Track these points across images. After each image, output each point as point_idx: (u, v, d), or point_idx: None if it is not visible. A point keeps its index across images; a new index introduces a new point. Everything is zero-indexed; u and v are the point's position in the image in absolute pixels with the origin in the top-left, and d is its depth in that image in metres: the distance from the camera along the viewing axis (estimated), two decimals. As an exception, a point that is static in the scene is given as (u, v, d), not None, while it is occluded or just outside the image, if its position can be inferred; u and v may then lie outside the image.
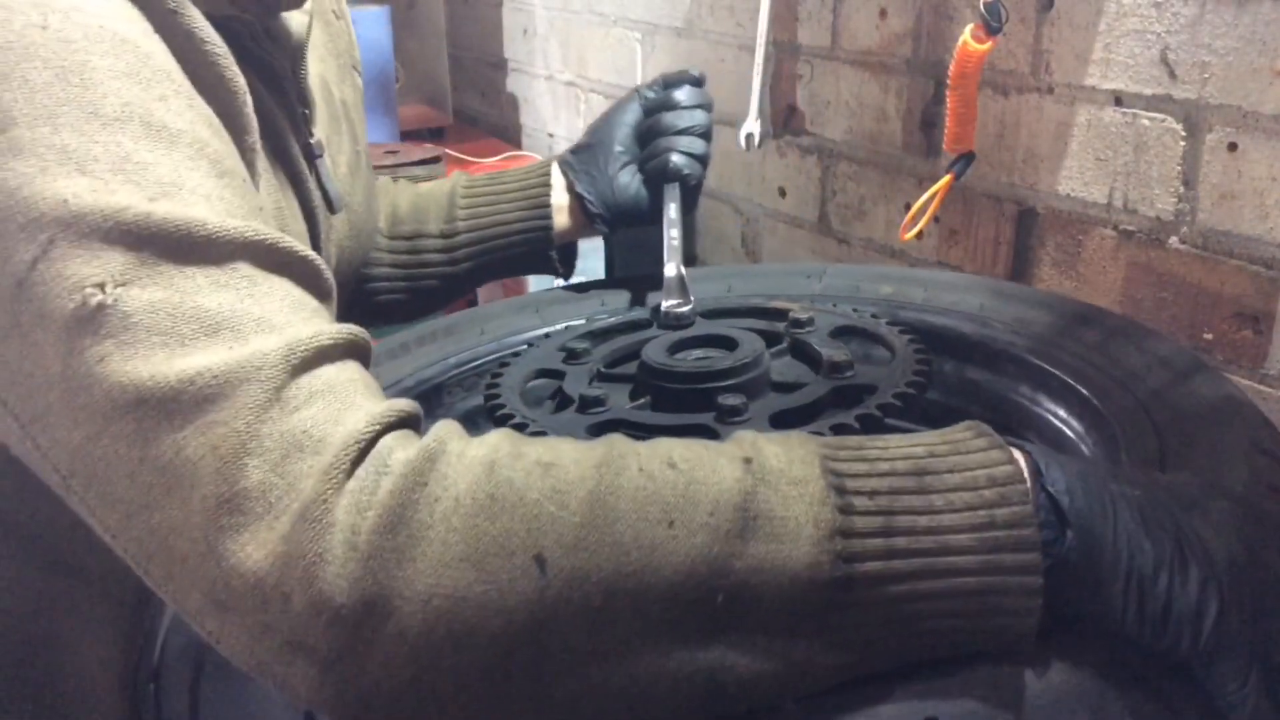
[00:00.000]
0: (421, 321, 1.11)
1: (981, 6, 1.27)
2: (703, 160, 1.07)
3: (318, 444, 0.51)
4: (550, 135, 2.66)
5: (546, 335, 1.02)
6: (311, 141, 0.83)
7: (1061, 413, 0.85)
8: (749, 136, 1.78)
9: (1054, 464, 0.54)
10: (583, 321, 1.04)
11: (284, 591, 0.49)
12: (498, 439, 0.54)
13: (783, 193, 1.88)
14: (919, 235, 1.45)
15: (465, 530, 0.49)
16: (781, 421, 0.74)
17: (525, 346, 1.01)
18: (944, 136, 1.39)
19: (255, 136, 0.67)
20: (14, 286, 0.52)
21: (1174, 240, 1.26)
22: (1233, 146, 1.18)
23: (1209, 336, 1.23)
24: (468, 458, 0.52)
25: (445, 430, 0.54)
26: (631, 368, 0.87)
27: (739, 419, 0.75)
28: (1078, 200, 1.37)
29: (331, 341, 0.56)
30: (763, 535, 0.50)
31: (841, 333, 0.89)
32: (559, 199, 1.10)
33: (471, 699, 0.49)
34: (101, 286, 0.51)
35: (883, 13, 1.61)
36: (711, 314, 0.98)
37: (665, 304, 0.98)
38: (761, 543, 0.50)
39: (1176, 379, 0.78)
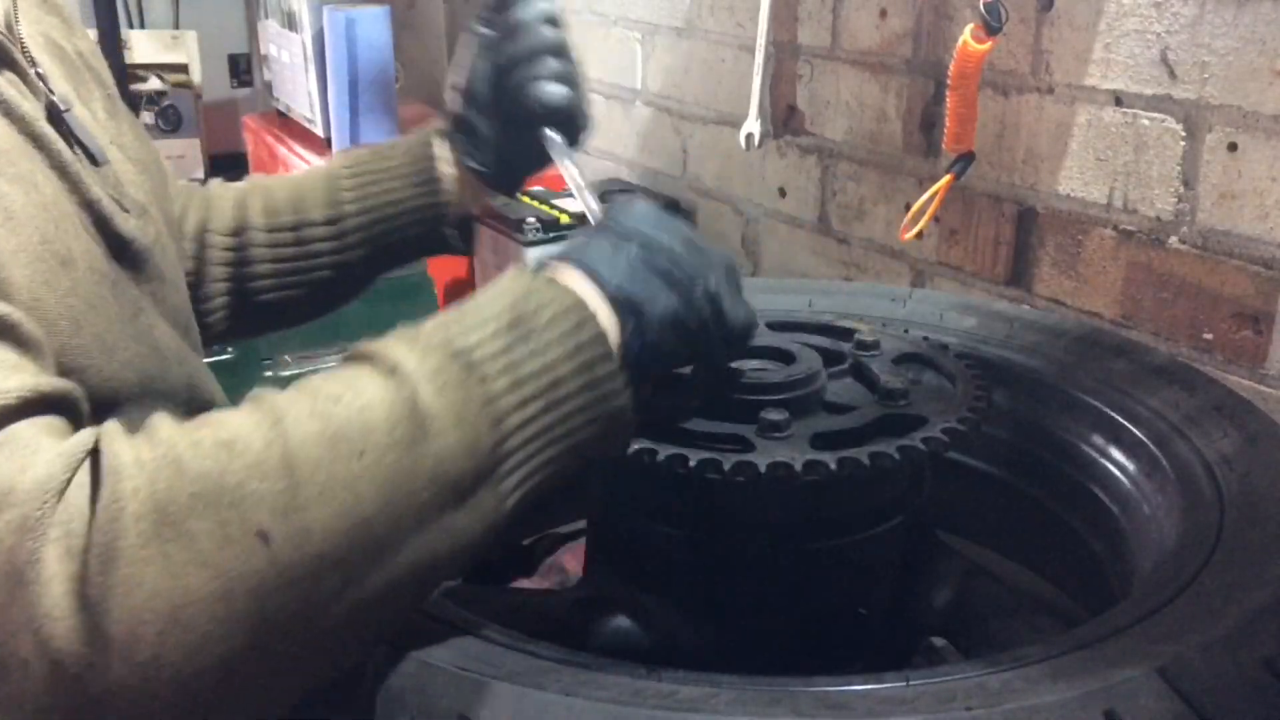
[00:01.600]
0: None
1: (981, 6, 1.27)
2: (568, 81, 0.94)
3: (5, 496, 0.49)
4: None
5: None
6: (54, 98, 0.76)
7: (1131, 469, 0.85)
8: (749, 136, 1.78)
9: (598, 262, 0.67)
10: None
11: (21, 659, 0.48)
12: (166, 432, 0.54)
13: (783, 193, 1.88)
14: (919, 235, 1.45)
15: (181, 536, 0.49)
16: (823, 443, 0.73)
17: None
18: (944, 136, 1.39)
19: None
20: None
21: (1174, 240, 1.26)
22: (1233, 146, 1.18)
23: (1209, 336, 1.23)
24: (149, 464, 0.51)
25: (110, 441, 0.53)
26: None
27: (779, 435, 0.73)
28: (1078, 200, 1.37)
29: (19, 398, 0.54)
30: (434, 431, 0.56)
31: (907, 359, 0.87)
32: (445, 170, 1.01)
33: (244, 679, 0.51)
34: None
35: (883, 13, 1.61)
36: (780, 326, 0.94)
37: None
38: (434, 439, 0.56)
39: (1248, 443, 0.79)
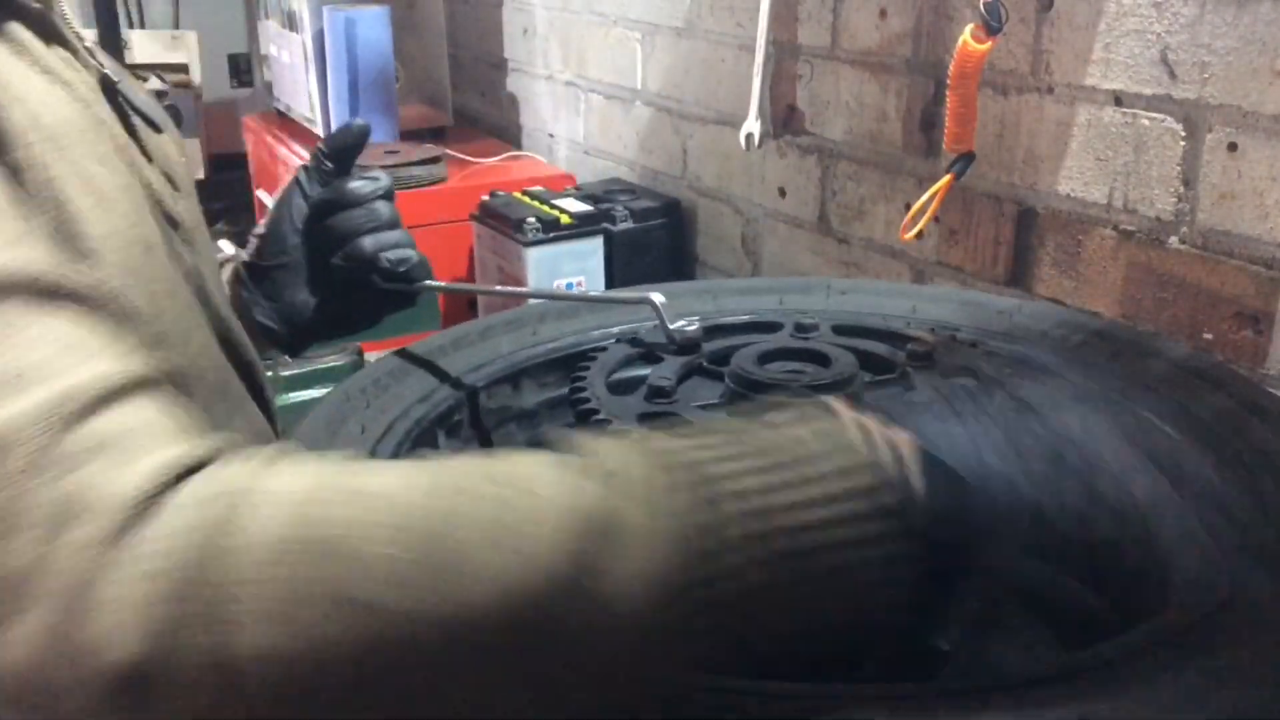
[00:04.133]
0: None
1: (981, 6, 1.27)
2: (410, 247, 0.93)
3: (86, 511, 0.44)
4: (550, 135, 2.66)
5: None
6: (107, 71, 0.74)
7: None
8: (749, 136, 1.78)
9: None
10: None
11: (54, 690, 0.43)
12: (317, 468, 0.49)
13: (783, 193, 1.88)
14: (919, 235, 1.45)
15: (280, 581, 0.44)
16: None
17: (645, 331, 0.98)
18: (944, 136, 1.39)
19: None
20: None
21: (1174, 240, 1.26)
22: (1233, 146, 1.18)
23: (1209, 337, 1.23)
24: (279, 495, 0.46)
25: (256, 464, 0.48)
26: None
27: None
28: (1078, 200, 1.37)
29: (121, 382, 0.50)
30: (619, 550, 0.46)
31: (960, 373, 0.85)
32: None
33: None
34: None
35: (883, 13, 1.61)
36: (840, 330, 0.92)
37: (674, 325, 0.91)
38: (619, 559, 0.46)
39: None
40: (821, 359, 0.82)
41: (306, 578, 0.44)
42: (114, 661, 0.43)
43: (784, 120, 1.83)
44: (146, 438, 0.48)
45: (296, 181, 0.95)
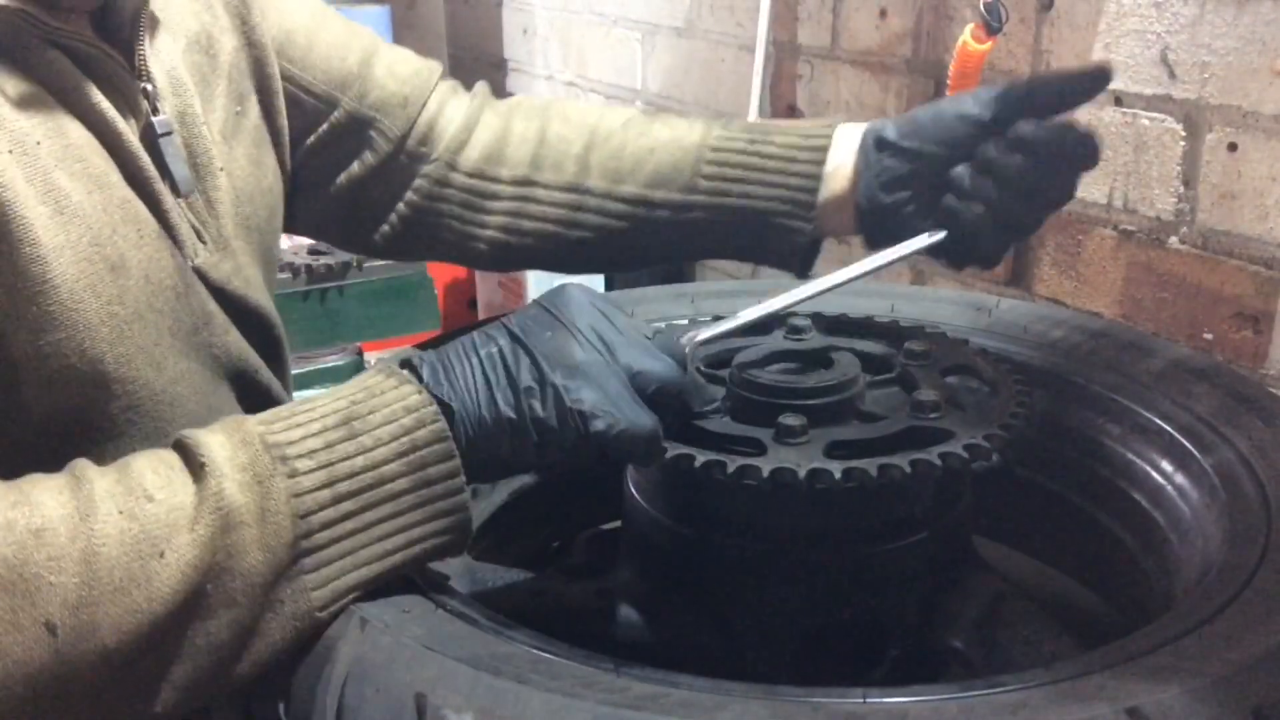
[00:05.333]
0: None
1: (981, 6, 1.27)
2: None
3: None
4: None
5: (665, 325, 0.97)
6: (155, 120, 0.75)
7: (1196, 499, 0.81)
8: (749, 136, 1.78)
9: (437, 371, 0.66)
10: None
11: None
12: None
13: (783, 193, 1.88)
14: (919, 235, 1.45)
15: None
16: (838, 451, 0.71)
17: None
18: (944, 136, 1.39)
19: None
20: None
21: (1174, 240, 1.26)
22: (1233, 146, 1.18)
23: (1209, 336, 1.23)
24: None
25: None
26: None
27: (795, 440, 0.72)
28: (1078, 200, 1.37)
29: None
30: (235, 523, 0.58)
31: (957, 370, 0.84)
32: (831, 189, 0.87)
33: None
34: None
35: (883, 13, 1.61)
36: (834, 330, 0.89)
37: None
38: (234, 531, 0.58)
39: None
40: (826, 362, 0.81)
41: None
42: None
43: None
44: None
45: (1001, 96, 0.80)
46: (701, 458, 0.70)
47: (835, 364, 0.80)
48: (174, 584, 0.56)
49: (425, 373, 0.66)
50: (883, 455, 0.70)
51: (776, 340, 0.87)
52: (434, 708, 0.54)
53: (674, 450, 0.71)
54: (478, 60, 2.97)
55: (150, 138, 0.75)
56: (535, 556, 1.05)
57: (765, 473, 0.69)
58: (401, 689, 0.56)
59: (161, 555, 0.56)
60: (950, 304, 1.05)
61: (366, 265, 2.16)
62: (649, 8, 2.14)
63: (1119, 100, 1.29)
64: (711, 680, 0.58)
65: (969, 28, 1.30)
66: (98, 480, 0.58)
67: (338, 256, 2.14)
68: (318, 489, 0.60)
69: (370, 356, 2.10)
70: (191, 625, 0.57)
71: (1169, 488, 0.83)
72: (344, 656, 0.59)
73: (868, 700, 0.55)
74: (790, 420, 0.73)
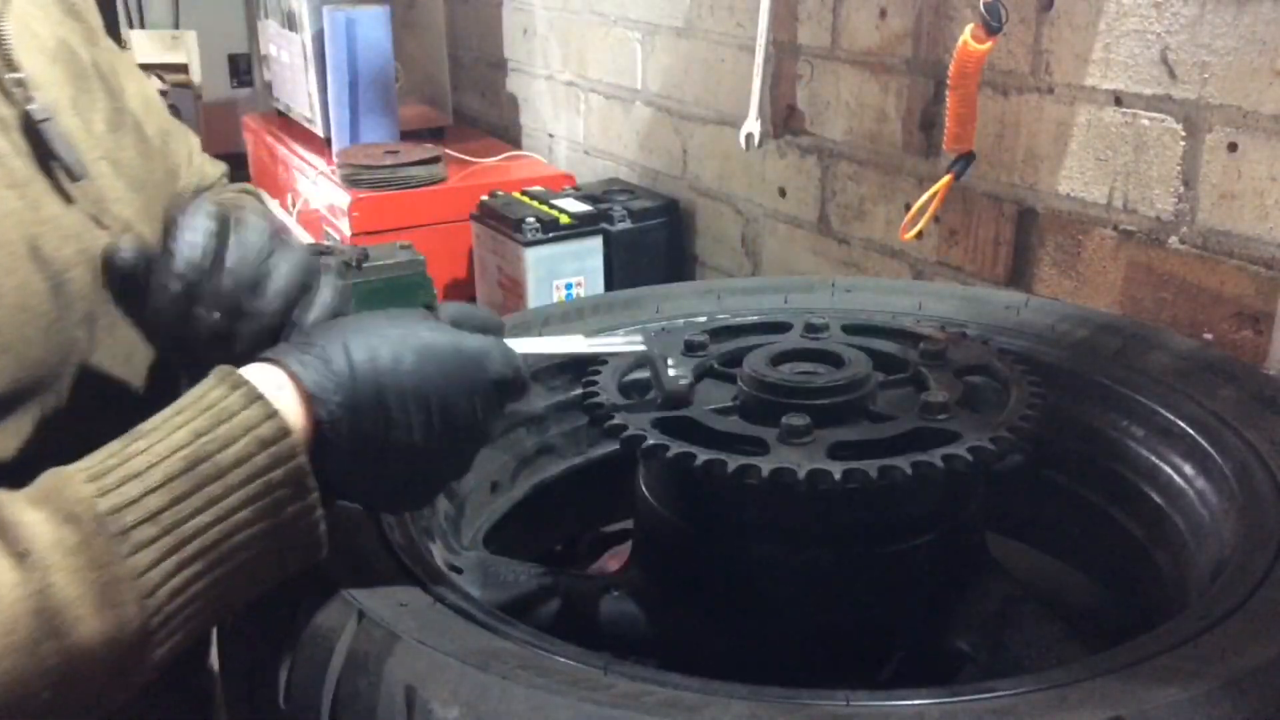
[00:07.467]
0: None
1: (981, 6, 1.27)
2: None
3: None
4: (550, 135, 2.66)
5: (664, 327, 1.00)
6: (30, 109, 0.74)
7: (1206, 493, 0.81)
8: (749, 136, 1.78)
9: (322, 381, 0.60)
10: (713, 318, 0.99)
11: None
12: None
13: (783, 193, 1.88)
14: (919, 235, 1.45)
15: None
16: (841, 452, 0.71)
17: (660, 331, 0.97)
18: (944, 136, 1.39)
19: None
20: None
21: (1174, 240, 1.26)
22: (1233, 146, 1.18)
23: (1209, 336, 1.23)
24: None
25: None
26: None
27: (800, 440, 0.72)
28: (1078, 200, 1.37)
29: None
30: (67, 622, 0.52)
31: (974, 371, 0.84)
32: None
33: None
34: None
35: (883, 13, 1.61)
36: (853, 329, 0.90)
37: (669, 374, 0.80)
38: (70, 632, 0.53)
39: None
40: (837, 362, 0.81)
41: None
42: None
43: (784, 120, 1.83)
44: None
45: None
46: (703, 456, 0.70)
47: (847, 364, 0.80)
48: None
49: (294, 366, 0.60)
50: (887, 456, 0.70)
51: (793, 339, 0.87)
52: (422, 701, 0.55)
53: (677, 448, 0.71)
54: (478, 60, 2.97)
55: (29, 126, 0.75)
56: (549, 552, 1.05)
57: (765, 472, 0.69)
58: (393, 682, 0.56)
59: None
60: (978, 302, 1.05)
61: (366, 265, 2.16)
62: (649, 8, 2.14)
63: (1119, 100, 1.29)
64: (698, 680, 0.58)
65: (969, 28, 1.30)
66: None
67: (337, 256, 2.14)
68: (163, 559, 0.55)
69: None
70: None
71: (1190, 490, 0.83)
72: (340, 649, 0.59)
73: (851, 703, 0.55)
74: (795, 420, 0.73)
